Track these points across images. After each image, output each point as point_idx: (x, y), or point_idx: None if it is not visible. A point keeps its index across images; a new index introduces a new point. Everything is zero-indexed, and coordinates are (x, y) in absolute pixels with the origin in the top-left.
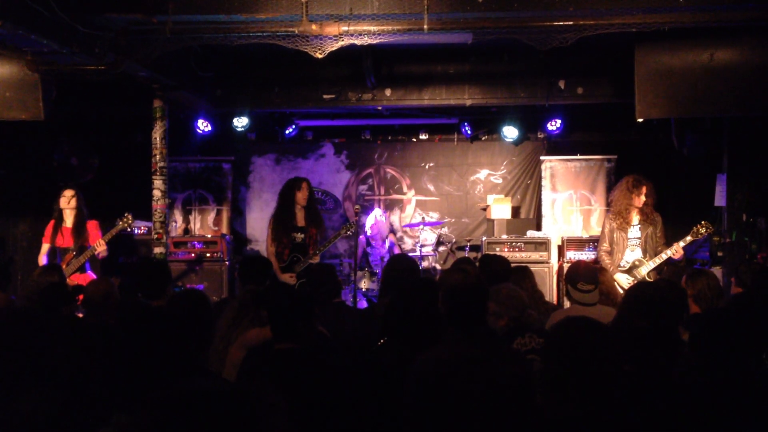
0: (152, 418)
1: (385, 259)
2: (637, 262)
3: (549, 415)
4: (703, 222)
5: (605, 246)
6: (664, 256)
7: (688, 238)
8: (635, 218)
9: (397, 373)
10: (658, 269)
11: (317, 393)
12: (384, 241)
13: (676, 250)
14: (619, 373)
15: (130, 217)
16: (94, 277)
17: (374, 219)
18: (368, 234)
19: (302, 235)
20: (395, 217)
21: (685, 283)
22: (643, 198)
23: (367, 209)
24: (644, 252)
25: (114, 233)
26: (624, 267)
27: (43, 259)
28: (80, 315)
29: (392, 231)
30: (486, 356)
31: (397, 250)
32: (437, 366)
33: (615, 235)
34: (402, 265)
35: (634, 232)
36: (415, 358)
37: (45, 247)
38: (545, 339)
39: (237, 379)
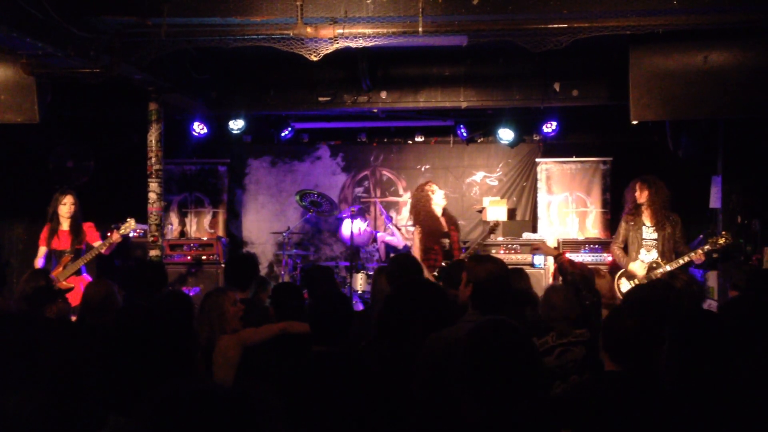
0: (148, 420)
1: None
2: (654, 264)
3: (467, 415)
4: (723, 232)
5: (619, 242)
6: (681, 261)
7: (707, 247)
8: (647, 219)
9: (384, 372)
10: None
11: (351, 395)
12: (373, 241)
13: (699, 256)
14: (538, 374)
15: (132, 221)
16: (90, 279)
17: (350, 229)
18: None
19: (448, 241)
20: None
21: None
22: (645, 195)
23: (356, 215)
24: (661, 254)
25: (118, 239)
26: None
27: (39, 263)
28: (74, 318)
29: (374, 238)
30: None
31: (393, 240)
32: (446, 343)
33: (630, 234)
34: (407, 263)
35: (650, 233)
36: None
37: (42, 250)
38: (465, 342)
39: (236, 379)
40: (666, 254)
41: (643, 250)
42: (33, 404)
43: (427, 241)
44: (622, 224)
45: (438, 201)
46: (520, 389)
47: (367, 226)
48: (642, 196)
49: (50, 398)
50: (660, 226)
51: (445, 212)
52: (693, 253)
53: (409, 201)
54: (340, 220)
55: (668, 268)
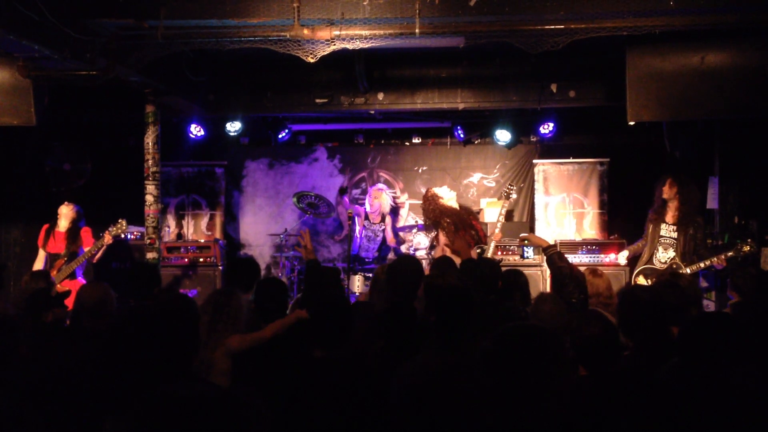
0: (138, 424)
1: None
2: (674, 265)
3: (486, 422)
4: (749, 240)
5: (640, 243)
6: (702, 265)
7: (730, 254)
8: (669, 217)
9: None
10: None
11: (353, 401)
12: (382, 220)
13: (721, 261)
14: (558, 381)
15: (123, 222)
16: (84, 282)
17: (370, 203)
18: (368, 210)
19: (474, 231)
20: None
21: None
22: (673, 192)
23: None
24: (681, 255)
25: (109, 242)
26: (657, 267)
27: (39, 266)
28: (68, 322)
29: (393, 212)
30: (468, 362)
31: (389, 234)
32: (422, 374)
33: (650, 231)
34: (408, 266)
35: (670, 231)
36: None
37: (41, 254)
38: (487, 346)
39: (231, 387)
40: (687, 256)
41: (660, 248)
42: (15, 407)
43: (458, 232)
44: (647, 225)
45: (447, 196)
46: (548, 389)
47: (392, 202)
48: (670, 192)
49: (35, 402)
50: (682, 226)
51: (460, 205)
52: (715, 258)
53: (407, 203)
54: (367, 192)
55: (688, 271)
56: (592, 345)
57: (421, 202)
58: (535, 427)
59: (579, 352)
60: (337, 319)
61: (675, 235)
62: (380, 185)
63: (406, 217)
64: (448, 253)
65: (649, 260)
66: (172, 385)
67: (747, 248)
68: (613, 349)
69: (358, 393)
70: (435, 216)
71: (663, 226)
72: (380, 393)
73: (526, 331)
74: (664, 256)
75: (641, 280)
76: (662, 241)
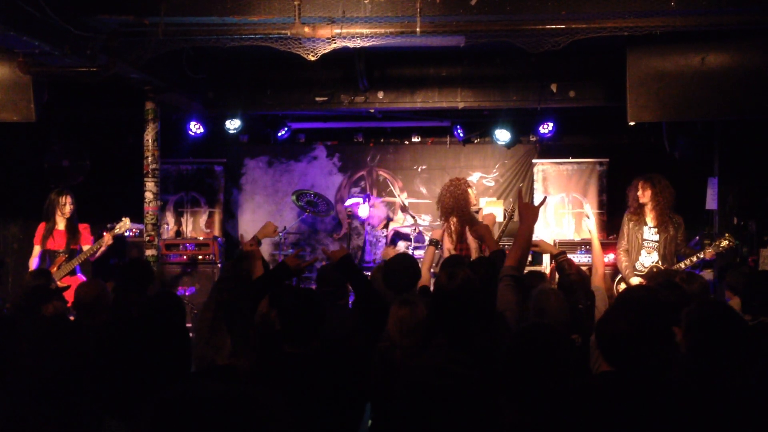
0: (157, 424)
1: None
2: (654, 269)
3: (508, 419)
4: (726, 234)
5: (624, 244)
6: (682, 265)
7: (710, 251)
8: (650, 220)
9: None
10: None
11: (321, 398)
12: (384, 227)
13: (710, 255)
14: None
15: (127, 221)
16: (84, 279)
17: (367, 207)
18: (366, 222)
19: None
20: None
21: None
22: (648, 195)
23: (356, 204)
24: (662, 257)
25: (109, 242)
26: (641, 272)
27: (34, 262)
28: (71, 318)
29: (389, 219)
30: (475, 361)
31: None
32: (421, 373)
33: (631, 234)
34: (404, 263)
35: (652, 234)
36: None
37: (36, 249)
38: (507, 346)
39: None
40: (667, 257)
41: (643, 251)
42: (14, 403)
43: (462, 233)
44: (624, 224)
45: (473, 201)
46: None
47: (385, 207)
48: (645, 195)
49: (34, 397)
50: (663, 227)
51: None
52: (702, 253)
53: (406, 201)
54: (357, 204)
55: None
56: (619, 341)
57: (418, 200)
58: (556, 423)
59: (605, 347)
60: (305, 315)
61: (656, 237)
62: (379, 199)
63: (405, 216)
64: (450, 248)
65: (632, 265)
66: (189, 384)
67: (725, 243)
68: (638, 346)
69: (326, 387)
70: (449, 203)
71: (645, 229)
72: (352, 386)
73: (540, 330)
74: (648, 259)
75: (623, 287)
76: (645, 245)
